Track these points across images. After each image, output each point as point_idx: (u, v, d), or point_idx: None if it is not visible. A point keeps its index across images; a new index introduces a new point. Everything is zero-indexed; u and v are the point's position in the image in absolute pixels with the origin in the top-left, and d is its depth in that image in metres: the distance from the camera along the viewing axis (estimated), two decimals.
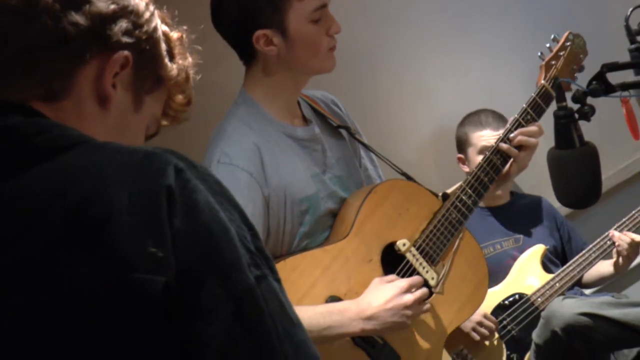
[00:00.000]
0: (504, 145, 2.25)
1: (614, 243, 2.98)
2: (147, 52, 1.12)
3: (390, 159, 2.33)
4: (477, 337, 2.85)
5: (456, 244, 2.22)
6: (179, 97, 1.21)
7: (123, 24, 1.09)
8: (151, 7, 1.15)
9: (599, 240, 3.03)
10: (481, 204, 2.34)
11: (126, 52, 1.08)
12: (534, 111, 2.26)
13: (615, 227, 3.02)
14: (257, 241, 0.99)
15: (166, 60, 1.16)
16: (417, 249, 2.16)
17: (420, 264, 2.16)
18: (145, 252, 0.90)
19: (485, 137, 3.07)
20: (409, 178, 2.28)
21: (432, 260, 2.18)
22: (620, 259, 2.99)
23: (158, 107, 1.19)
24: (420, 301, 2.05)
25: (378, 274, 2.10)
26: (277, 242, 2.06)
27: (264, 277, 0.96)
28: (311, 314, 1.95)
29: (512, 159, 2.27)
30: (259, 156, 2.04)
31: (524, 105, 2.26)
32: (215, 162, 2.02)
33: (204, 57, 2.49)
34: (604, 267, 3.07)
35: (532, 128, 2.25)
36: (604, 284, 3.20)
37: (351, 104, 2.41)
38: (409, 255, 2.15)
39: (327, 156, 2.18)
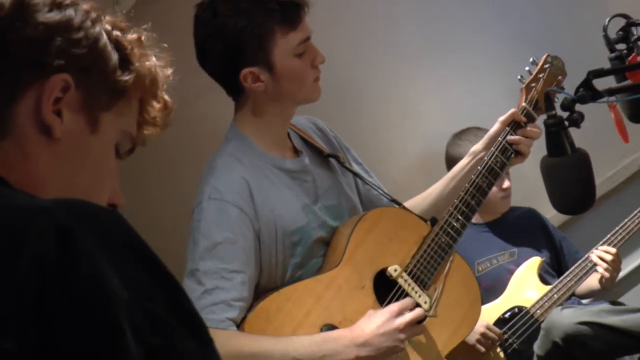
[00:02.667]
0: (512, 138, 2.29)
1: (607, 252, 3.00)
2: (91, 66, 1.02)
3: (380, 180, 2.37)
4: (482, 349, 2.89)
5: (447, 267, 2.24)
6: (153, 103, 1.10)
7: (55, 45, 0.99)
8: (93, 15, 1.03)
9: (594, 249, 3.05)
10: (474, 219, 2.38)
11: (63, 75, 0.98)
12: (516, 133, 2.30)
13: (603, 241, 3.04)
14: (176, 299, 0.86)
15: (119, 69, 1.04)
16: (409, 274, 2.19)
17: (412, 288, 2.18)
18: None
19: None
20: (398, 204, 2.32)
21: (423, 284, 2.20)
22: (604, 280, 3.00)
23: (126, 121, 1.08)
24: (413, 323, 2.07)
25: (371, 300, 2.13)
26: (270, 274, 2.09)
27: (164, 346, 0.82)
28: (306, 344, 1.99)
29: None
30: (248, 190, 2.07)
31: (507, 128, 2.29)
32: (207, 198, 2.07)
33: (192, 91, 2.52)
34: (594, 281, 3.08)
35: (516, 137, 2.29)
36: (594, 297, 3.21)
37: (338, 128, 2.43)
38: (400, 281, 2.18)
39: (317, 186, 2.21)
